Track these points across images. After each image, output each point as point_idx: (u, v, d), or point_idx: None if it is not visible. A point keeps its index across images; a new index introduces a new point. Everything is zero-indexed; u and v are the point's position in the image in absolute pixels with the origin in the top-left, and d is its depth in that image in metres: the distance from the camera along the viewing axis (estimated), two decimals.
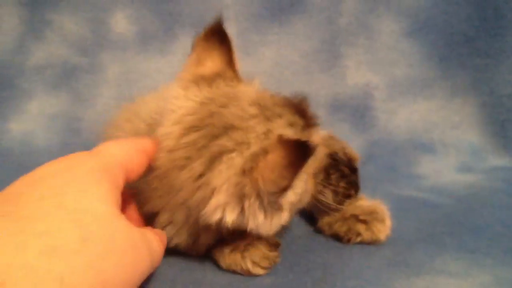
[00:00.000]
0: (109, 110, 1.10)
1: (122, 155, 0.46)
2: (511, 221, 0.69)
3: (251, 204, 0.46)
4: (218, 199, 0.46)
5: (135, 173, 0.47)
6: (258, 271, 0.52)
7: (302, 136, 0.48)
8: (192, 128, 0.49)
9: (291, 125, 0.50)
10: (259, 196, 0.45)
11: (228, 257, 0.53)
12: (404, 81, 1.10)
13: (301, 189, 0.50)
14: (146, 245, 0.42)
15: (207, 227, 0.49)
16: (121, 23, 1.11)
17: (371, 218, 0.61)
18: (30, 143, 1.06)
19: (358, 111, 1.09)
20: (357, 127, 1.08)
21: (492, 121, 1.06)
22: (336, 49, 1.11)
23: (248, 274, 0.52)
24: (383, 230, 0.60)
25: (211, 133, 0.48)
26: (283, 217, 0.49)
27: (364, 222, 0.61)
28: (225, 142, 0.47)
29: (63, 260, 0.32)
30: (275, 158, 0.44)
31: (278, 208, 0.48)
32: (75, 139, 1.07)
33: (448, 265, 0.55)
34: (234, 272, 0.53)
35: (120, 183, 0.44)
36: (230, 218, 0.46)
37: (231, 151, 0.46)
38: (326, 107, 1.09)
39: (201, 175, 0.47)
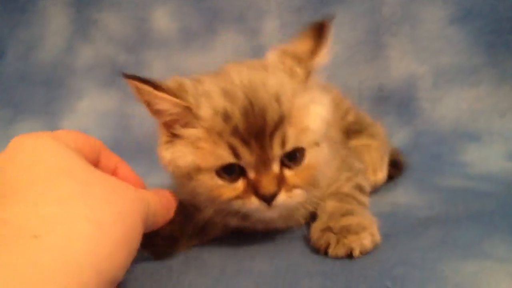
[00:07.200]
0: None
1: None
2: None
3: None
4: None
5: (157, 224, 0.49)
6: None
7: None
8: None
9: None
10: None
11: None
12: (450, 69, 1.08)
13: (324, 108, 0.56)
14: (129, 191, 0.43)
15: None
16: (162, 20, 1.14)
17: (345, 231, 0.54)
18: None
19: (402, 102, 1.08)
20: (402, 118, 1.07)
21: None
22: (380, 39, 1.10)
23: None
24: (357, 240, 0.53)
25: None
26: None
27: (337, 234, 0.54)
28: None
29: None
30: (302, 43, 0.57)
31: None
32: (126, 135, 1.12)
33: (497, 248, 0.51)
34: None
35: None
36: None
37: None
38: (370, 99, 1.09)
39: None
